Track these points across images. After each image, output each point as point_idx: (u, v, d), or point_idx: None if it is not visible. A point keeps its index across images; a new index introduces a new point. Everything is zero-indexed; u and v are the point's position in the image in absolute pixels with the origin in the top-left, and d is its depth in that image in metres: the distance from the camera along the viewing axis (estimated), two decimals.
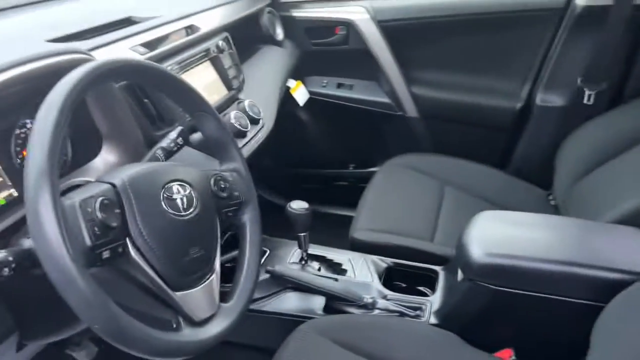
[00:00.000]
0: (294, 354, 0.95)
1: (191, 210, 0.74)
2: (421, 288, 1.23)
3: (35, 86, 0.78)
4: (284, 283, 1.16)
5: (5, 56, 0.78)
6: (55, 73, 0.71)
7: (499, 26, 1.62)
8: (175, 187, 0.74)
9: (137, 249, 0.66)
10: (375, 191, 1.52)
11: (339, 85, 1.86)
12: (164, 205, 0.71)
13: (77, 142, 0.91)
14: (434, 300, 1.12)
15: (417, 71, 1.75)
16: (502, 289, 0.95)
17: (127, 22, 1.19)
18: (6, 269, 0.60)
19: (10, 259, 0.61)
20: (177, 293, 0.70)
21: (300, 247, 1.20)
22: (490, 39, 1.65)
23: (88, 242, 0.61)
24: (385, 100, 1.80)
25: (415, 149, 1.74)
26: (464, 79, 1.72)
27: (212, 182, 0.82)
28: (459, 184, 1.56)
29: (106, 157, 0.93)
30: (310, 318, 1.07)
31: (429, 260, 1.25)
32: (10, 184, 0.83)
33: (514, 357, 0.97)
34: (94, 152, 0.93)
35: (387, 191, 1.52)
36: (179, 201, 0.73)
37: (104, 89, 0.87)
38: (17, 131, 0.85)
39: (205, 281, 0.75)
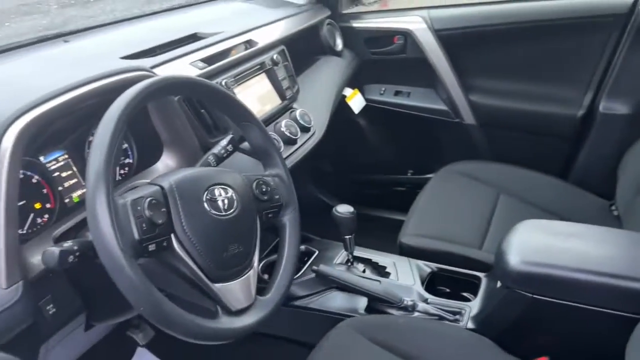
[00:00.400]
0: (331, 348, 1.01)
1: (231, 211, 0.83)
2: (465, 294, 1.24)
3: (105, 99, 0.90)
4: (329, 283, 1.22)
5: (84, 72, 0.91)
6: (122, 88, 0.81)
7: (559, 33, 1.59)
8: (217, 190, 0.82)
9: (181, 244, 0.75)
10: (428, 197, 1.55)
11: (397, 93, 1.89)
12: (206, 206, 0.79)
13: (142, 148, 1.03)
14: (474, 306, 1.14)
15: (475, 79, 1.76)
16: (538, 297, 0.96)
17: (193, 38, 1.31)
18: (71, 257, 0.71)
19: (75, 248, 0.72)
20: (216, 285, 0.78)
21: (346, 249, 1.25)
22: (551, 45, 1.62)
23: (136, 236, 0.71)
24: (443, 107, 1.81)
25: (472, 157, 1.73)
26: (523, 86, 1.70)
27: (254, 185, 0.90)
28: (515, 192, 1.54)
29: (166, 161, 1.04)
30: (351, 317, 1.12)
31: (475, 267, 1.26)
32: (84, 184, 0.96)
33: None
34: (156, 157, 1.04)
35: (440, 197, 1.54)
36: (220, 202, 0.81)
37: (163, 101, 0.98)
38: (90, 138, 0.98)
39: (243, 275, 0.83)
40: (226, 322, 0.77)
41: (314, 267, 1.22)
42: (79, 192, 0.94)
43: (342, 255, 1.31)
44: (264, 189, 0.92)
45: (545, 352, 0.99)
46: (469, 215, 1.44)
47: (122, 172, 1.03)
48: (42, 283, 0.78)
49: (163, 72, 1.03)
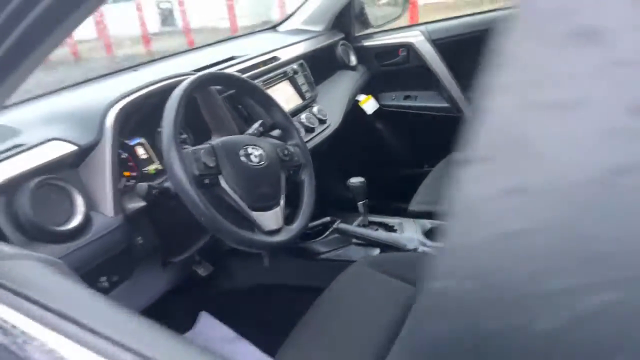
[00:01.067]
0: (346, 280, 1.30)
1: (262, 163, 1.15)
2: None
3: (164, 97, 1.26)
4: (347, 239, 1.52)
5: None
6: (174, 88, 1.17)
7: None
8: (250, 148, 1.16)
9: (226, 181, 1.08)
10: (434, 177, 1.83)
11: (406, 97, 2.21)
12: (242, 158, 1.13)
13: (195, 133, 1.38)
14: None
15: (470, 78, 2.04)
16: None
17: (230, 59, 1.68)
18: (155, 190, 1.05)
19: (156, 185, 1.06)
20: (253, 212, 1.10)
21: (361, 213, 1.55)
22: None
23: (196, 172, 1.04)
24: (445, 105, 2.11)
25: None
26: None
27: (278, 150, 1.23)
28: None
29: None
30: None
31: None
32: (155, 161, 1.31)
33: None
34: (206, 141, 1.39)
35: (444, 177, 1.82)
36: (252, 157, 1.15)
37: (209, 97, 1.34)
38: (159, 129, 1.34)
39: (273, 209, 1.14)
40: (261, 237, 1.09)
41: (335, 226, 1.52)
42: (154, 166, 1.30)
43: (358, 220, 1.60)
44: (285, 153, 1.24)
45: None
46: None
47: None
48: (135, 221, 1.13)
49: None
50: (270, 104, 1.29)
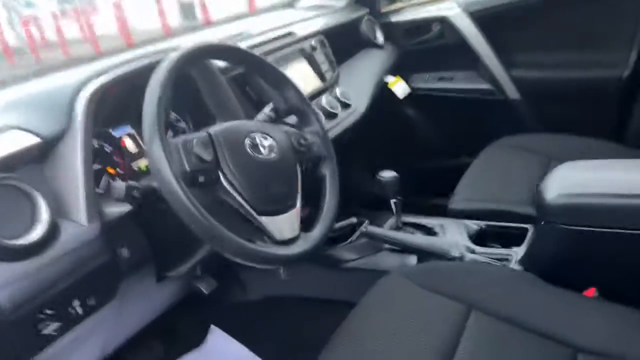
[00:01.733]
0: (380, 294, 1.06)
1: (272, 155, 0.92)
2: (514, 248, 1.25)
3: None
4: (378, 243, 1.28)
5: None
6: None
7: None
8: (257, 137, 0.93)
9: (227, 179, 0.86)
10: (477, 169, 1.57)
11: (440, 79, 1.95)
12: (247, 148, 0.90)
13: (196, 121, 1.16)
14: (519, 251, 1.15)
15: (515, 54, 1.79)
16: (578, 228, 0.97)
17: (240, 36, 1.46)
18: (135, 191, 0.84)
19: (138, 185, 0.84)
20: (262, 217, 0.88)
21: (393, 213, 1.31)
22: (587, 9, 1.63)
23: (187, 167, 0.82)
24: (486, 86, 1.85)
25: (519, 131, 1.75)
26: (564, 54, 1.71)
27: (292, 139, 1.00)
28: (567, 158, 1.54)
29: None
30: None
31: (525, 221, 1.27)
32: None
33: (597, 295, 0.97)
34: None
35: (488, 168, 1.56)
36: (260, 147, 0.92)
37: (208, 75, 1.11)
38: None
39: (286, 212, 0.92)
40: (272, 249, 0.86)
41: (363, 229, 1.29)
42: (145, 162, 1.08)
43: (391, 222, 1.36)
44: (301, 142, 1.01)
45: (592, 283, 0.99)
46: (517, 179, 1.46)
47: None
48: (118, 230, 0.91)
49: None
50: (283, 83, 1.05)
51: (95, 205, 0.87)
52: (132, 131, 1.08)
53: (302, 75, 1.38)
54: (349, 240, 1.32)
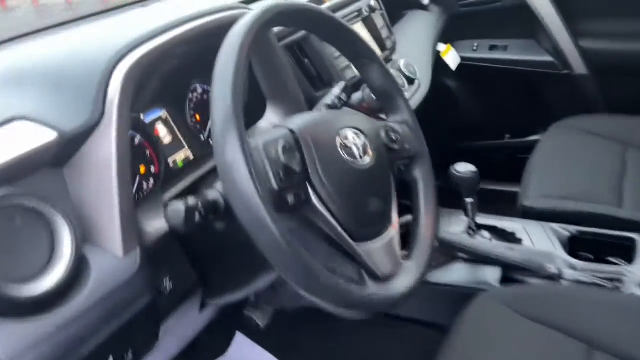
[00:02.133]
0: (473, 326, 0.86)
1: (366, 158, 0.69)
2: (612, 259, 1.06)
3: (200, 48, 0.79)
4: (452, 253, 1.07)
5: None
6: (217, 32, 0.69)
7: None
8: (349, 133, 0.69)
9: (318, 196, 0.62)
10: (544, 156, 1.37)
11: (492, 48, 1.71)
12: (340, 152, 0.66)
13: (246, 104, 0.91)
14: (635, 271, 0.96)
15: (586, 21, 1.55)
16: None
17: None
18: (197, 215, 0.60)
19: (200, 204, 0.60)
20: (360, 244, 0.65)
21: (467, 214, 1.10)
22: None
23: (275, 185, 0.58)
24: (547, 58, 1.62)
25: (584, 111, 1.54)
26: None
27: (383, 133, 0.76)
28: None
29: (271, 118, 0.92)
30: (484, 290, 0.97)
31: (619, 227, 1.08)
32: (186, 146, 0.85)
33: None
34: (259, 115, 0.92)
35: (558, 155, 1.36)
36: (354, 148, 0.68)
37: (268, 50, 0.86)
38: (190, 95, 0.87)
39: (384, 234, 0.69)
40: (377, 290, 0.64)
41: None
42: (182, 156, 0.84)
43: (461, 223, 1.15)
44: (393, 137, 0.77)
45: None
46: (596, 173, 1.27)
47: None
48: (159, 256, 0.68)
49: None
50: (369, 58, 0.80)
51: (134, 227, 0.63)
52: (165, 114, 0.83)
53: None
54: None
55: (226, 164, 0.55)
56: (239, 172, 0.54)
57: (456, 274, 1.05)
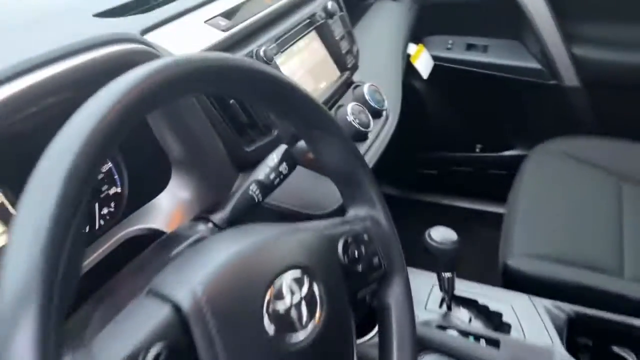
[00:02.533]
0: None
1: (310, 326, 0.42)
2: (616, 349, 0.86)
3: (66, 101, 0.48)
4: (421, 344, 0.83)
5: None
6: (96, 77, 0.40)
7: None
8: (287, 281, 0.42)
9: None
10: (528, 192, 1.15)
11: (469, 47, 1.45)
12: (268, 328, 0.39)
13: (136, 172, 0.61)
14: None
15: (582, 24, 1.31)
16: None
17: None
18: None
19: None
20: None
21: (441, 288, 0.86)
22: None
23: None
24: (533, 64, 1.38)
25: (572, 130, 1.31)
26: None
27: (339, 249, 0.50)
28: None
29: (176, 192, 0.63)
30: None
31: (623, 307, 0.88)
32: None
33: None
34: (159, 185, 0.63)
35: (545, 190, 1.15)
36: (293, 312, 0.41)
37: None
38: None
39: None
40: None
41: None
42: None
43: (434, 294, 0.91)
44: (355, 253, 0.51)
45: None
46: (590, 218, 1.07)
47: (105, 212, 0.61)
48: None
49: (165, 41, 0.60)
50: (322, 124, 0.52)
51: None
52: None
53: (314, 64, 0.83)
54: (372, 333, 0.86)
55: None
56: None
57: None
